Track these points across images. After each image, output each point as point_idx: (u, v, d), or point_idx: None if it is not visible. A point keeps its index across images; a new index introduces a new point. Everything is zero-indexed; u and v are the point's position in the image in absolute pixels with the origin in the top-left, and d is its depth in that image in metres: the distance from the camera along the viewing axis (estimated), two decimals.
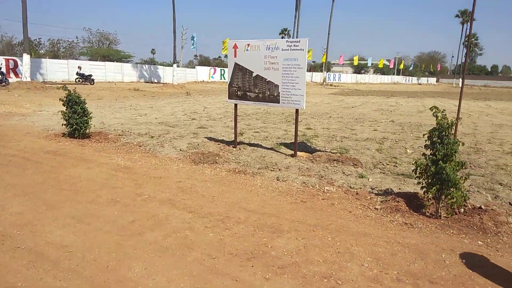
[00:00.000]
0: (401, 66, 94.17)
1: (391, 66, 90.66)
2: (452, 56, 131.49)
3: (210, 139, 8.79)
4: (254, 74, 7.17)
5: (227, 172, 6.11)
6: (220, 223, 4.08)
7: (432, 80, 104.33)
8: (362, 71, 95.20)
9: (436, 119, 4.35)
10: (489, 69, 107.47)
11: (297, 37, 46.81)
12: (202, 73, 45.98)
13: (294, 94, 6.72)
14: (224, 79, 47.20)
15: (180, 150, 7.55)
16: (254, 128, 11.15)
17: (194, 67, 48.36)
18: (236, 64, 7.40)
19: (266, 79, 7.02)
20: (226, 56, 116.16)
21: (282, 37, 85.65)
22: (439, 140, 4.30)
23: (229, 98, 7.72)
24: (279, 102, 6.93)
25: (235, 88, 7.54)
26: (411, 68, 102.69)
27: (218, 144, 8.16)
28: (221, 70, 48.99)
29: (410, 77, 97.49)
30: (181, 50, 45.45)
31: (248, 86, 7.32)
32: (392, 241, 3.77)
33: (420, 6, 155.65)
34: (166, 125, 11.01)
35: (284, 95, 6.84)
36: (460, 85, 7.87)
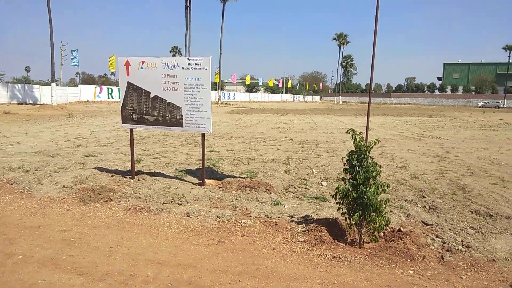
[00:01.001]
0: (289, 85, 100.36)
1: (280, 85, 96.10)
2: (332, 76, 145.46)
3: (101, 169, 7.56)
4: (151, 95, 6.34)
5: (126, 212, 5.14)
6: (123, 287, 3.18)
7: (316, 98, 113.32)
8: (254, 90, 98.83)
9: (354, 142, 4.15)
10: (364, 87, 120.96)
11: (189, 56, 46.29)
12: (87, 92, 42.16)
13: (199, 117, 6.08)
14: (112, 98, 44.07)
15: (64, 186, 6.26)
16: (152, 153, 10.13)
17: (76, 86, 44.24)
18: (129, 84, 6.48)
19: (166, 100, 6.26)
20: (113, 73, 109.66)
21: (173, 55, 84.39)
22: (358, 163, 4.09)
23: (123, 123, 6.72)
24: (182, 126, 6.21)
25: (129, 111, 6.58)
26: (297, 87, 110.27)
27: (112, 176, 7.02)
28: (108, 88, 45.67)
29: (297, 95, 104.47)
30: (61, 67, 41.17)
31: (145, 109, 6.45)
32: (326, 283, 3.34)
33: (303, 29, 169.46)
34: (44, 155, 9.31)
35: (188, 118, 6.15)
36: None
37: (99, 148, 10.70)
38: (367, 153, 4.07)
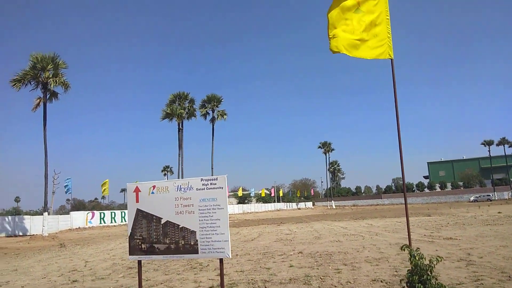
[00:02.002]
0: (281, 194, 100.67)
1: (272, 195, 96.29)
2: (322, 181, 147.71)
3: None
4: (163, 221, 5.92)
5: None
6: None
7: (309, 204, 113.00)
8: (246, 201, 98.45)
9: (413, 261, 3.69)
10: (354, 190, 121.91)
11: (182, 175, 46.80)
12: (78, 218, 41.11)
13: (216, 240, 5.59)
14: (104, 222, 42.84)
15: None
16: (155, 283, 9.19)
17: (68, 213, 43.24)
18: (138, 211, 6.09)
19: (179, 225, 5.82)
20: (103, 197, 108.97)
21: (165, 175, 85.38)
22: (421, 285, 3.57)
23: (130, 254, 6.13)
24: (198, 252, 5.66)
25: (138, 241, 6.06)
26: (289, 195, 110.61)
27: None
28: (100, 213, 44.74)
29: (290, 203, 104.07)
30: (52, 196, 40.78)
31: (156, 236, 5.95)
32: None
33: (289, 137, 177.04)
34: None
35: (203, 242, 5.65)
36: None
37: (96, 282, 9.72)
38: (430, 272, 3.58)
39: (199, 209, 5.72)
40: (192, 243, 5.73)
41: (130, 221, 6.15)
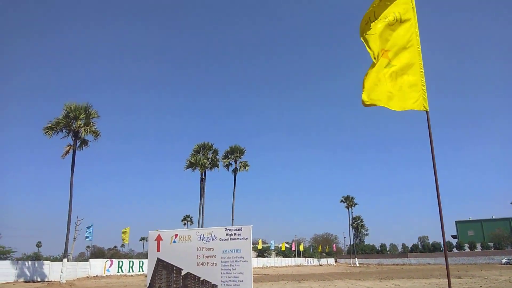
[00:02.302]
0: (302, 248, 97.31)
1: (293, 249, 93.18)
2: (344, 237, 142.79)
3: None
4: (183, 272, 5.69)
5: None
6: None
7: (331, 260, 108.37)
8: (265, 254, 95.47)
9: None
10: (379, 248, 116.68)
11: (202, 225, 46.25)
12: (97, 266, 40.59)
13: None
14: (122, 271, 42.09)
15: None
16: None
17: (87, 260, 42.86)
18: (159, 260, 5.91)
19: (199, 278, 5.57)
20: (123, 245, 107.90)
21: (185, 224, 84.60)
22: None
23: None
24: None
25: None
26: (310, 250, 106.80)
27: None
28: (118, 262, 44.11)
29: (311, 259, 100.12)
30: (73, 242, 40.77)
31: None
32: None
33: (311, 191, 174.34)
34: None
35: None
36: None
37: None
38: None
39: (221, 261, 5.50)
40: None
41: (149, 271, 5.95)
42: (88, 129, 30.91)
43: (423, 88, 5.60)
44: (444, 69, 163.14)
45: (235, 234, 5.56)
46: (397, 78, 5.52)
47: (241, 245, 5.49)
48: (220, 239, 5.61)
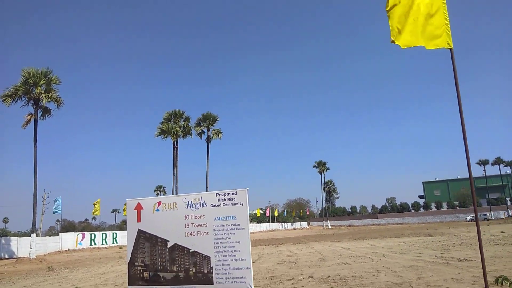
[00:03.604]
0: (276, 214, 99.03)
1: (267, 214, 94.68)
2: (317, 201, 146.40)
3: None
4: (170, 244, 4.96)
5: None
6: None
7: (304, 224, 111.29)
8: None
9: None
10: (349, 210, 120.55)
11: (176, 193, 45.50)
12: (68, 240, 39.41)
13: (236, 267, 4.64)
14: (95, 244, 41.13)
15: None
16: None
17: (57, 234, 41.52)
18: (140, 232, 5.14)
19: (189, 249, 4.87)
20: (94, 217, 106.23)
21: (157, 195, 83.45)
22: None
23: (130, 285, 5.13)
24: (212, 283, 4.70)
25: (139, 268, 5.08)
26: (284, 215, 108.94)
27: None
28: (91, 234, 43.04)
29: (285, 223, 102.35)
30: (42, 216, 39.16)
31: (161, 263, 4.98)
32: None
33: (284, 156, 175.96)
34: None
35: (220, 271, 4.69)
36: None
37: None
38: None
39: (214, 230, 4.79)
40: (206, 271, 4.76)
41: (129, 244, 5.18)
42: (50, 96, 28.87)
43: (446, 22, 4.91)
44: None
45: (228, 199, 4.84)
46: (420, 14, 4.80)
47: (236, 211, 4.80)
48: (211, 205, 4.89)
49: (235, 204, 4.79)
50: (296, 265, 16.05)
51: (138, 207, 5.18)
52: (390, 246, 23.98)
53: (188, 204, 4.97)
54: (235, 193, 4.81)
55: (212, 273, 4.78)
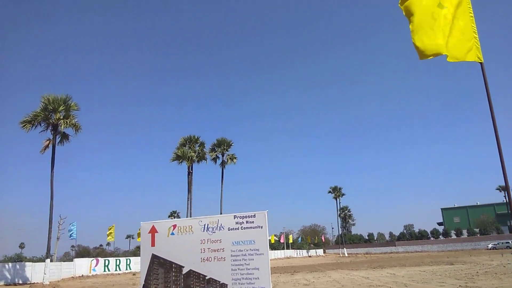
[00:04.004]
0: (291, 240, 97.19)
1: (282, 241, 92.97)
2: (332, 228, 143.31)
3: None
4: (185, 270, 4.70)
5: None
6: None
7: (320, 251, 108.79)
8: None
9: None
10: (366, 237, 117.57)
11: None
12: (82, 266, 39.15)
13: None
14: (109, 270, 40.73)
15: None
16: None
17: (71, 260, 41.34)
18: (154, 257, 4.90)
19: (205, 276, 4.59)
20: (108, 243, 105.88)
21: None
22: None
23: None
24: None
25: None
26: (299, 242, 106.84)
27: None
28: (104, 260, 42.72)
29: (300, 250, 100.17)
30: (57, 242, 39.18)
31: None
32: None
33: (298, 182, 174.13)
34: None
35: None
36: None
37: None
38: None
39: (231, 255, 4.52)
40: None
41: (143, 269, 4.94)
42: (68, 122, 29.36)
43: (475, 35, 4.69)
44: None
45: (246, 222, 4.59)
46: (449, 22, 4.60)
47: (255, 235, 4.52)
48: (229, 229, 4.64)
49: (254, 228, 4.53)
50: None
51: (153, 231, 4.96)
52: (410, 275, 23.10)
53: (204, 228, 4.74)
54: (254, 216, 4.55)
55: None
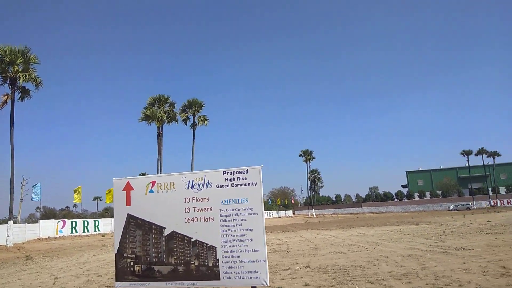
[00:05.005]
0: None
1: None
2: (302, 190, 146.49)
3: None
4: (167, 232, 4.13)
5: None
6: None
7: (289, 212, 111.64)
8: None
9: None
10: (334, 199, 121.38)
11: None
12: (48, 227, 37.98)
13: (247, 260, 3.85)
14: (76, 232, 39.87)
15: None
16: None
17: (37, 221, 40.05)
18: (130, 217, 4.28)
19: (190, 238, 4.04)
20: (75, 205, 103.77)
21: None
22: None
23: (118, 280, 4.28)
24: (219, 278, 3.90)
25: (129, 260, 4.23)
26: (269, 203, 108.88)
27: None
28: (72, 222, 41.68)
29: (270, 211, 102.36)
30: (20, 203, 37.63)
31: (156, 254, 4.14)
32: None
33: (270, 145, 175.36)
34: None
35: (228, 264, 3.89)
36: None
37: None
38: None
39: (220, 215, 3.97)
40: (211, 264, 3.96)
41: (117, 232, 4.32)
42: (27, 76, 27.24)
43: None
44: None
45: (238, 178, 4.01)
46: None
47: (248, 193, 3.98)
48: (217, 186, 4.06)
49: (246, 185, 3.97)
50: (288, 254, 15.48)
51: (128, 188, 4.31)
52: (379, 234, 23.73)
53: (188, 184, 4.13)
54: (247, 172, 3.97)
55: (218, 266, 3.96)
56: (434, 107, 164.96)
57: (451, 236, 20.05)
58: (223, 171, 4.08)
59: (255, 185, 3.95)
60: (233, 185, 4.02)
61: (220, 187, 4.05)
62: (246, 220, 3.93)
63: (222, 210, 4.02)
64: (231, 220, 3.96)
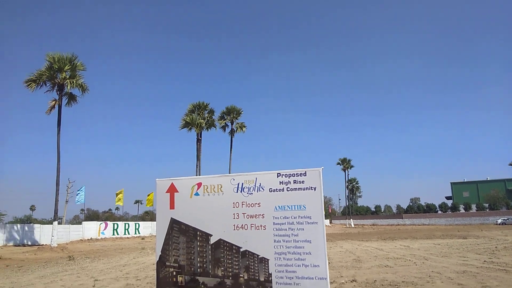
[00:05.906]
0: None
1: None
2: (339, 199, 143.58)
3: None
4: (213, 239, 3.72)
5: None
6: None
7: (326, 221, 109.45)
8: None
9: None
10: (373, 209, 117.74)
11: None
12: (90, 229, 39.24)
13: (305, 276, 3.35)
14: (117, 234, 40.82)
15: None
16: None
17: (80, 223, 41.43)
18: (173, 222, 3.91)
19: (239, 247, 3.61)
20: (117, 207, 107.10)
21: None
22: None
23: (158, 287, 3.92)
24: None
25: (171, 269, 3.85)
26: None
27: None
28: (113, 224, 42.82)
29: None
30: (65, 205, 39.06)
31: (201, 264, 3.73)
32: None
33: (306, 155, 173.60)
34: None
35: (282, 279, 3.41)
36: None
37: None
38: None
39: (274, 223, 3.50)
40: (262, 279, 3.49)
41: (159, 237, 3.96)
42: (74, 82, 28.26)
43: None
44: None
45: (294, 182, 3.53)
46: None
47: (306, 199, 3.48)
48: (271, 190, 3.59)
49: (304, 189, 3.47)
50: (331, 265, 14.74)
51: (172, 190, 3.94)
52: (426, 248, 22.40)
53: (238, 187, 3.70)
54: (305, 174, 3.48)
55: (271, 282, 3.48)
56: (482, 117, 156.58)
57: (505, 252, 18.59)
58: (278, 173, 3.61)
59: (314, 189, 3.44)
60: (288, 189, 3.53)
61: (274, 191, 3.58)
62: (303, 230, 3.43)
63: (276, 218, 3.54)
64: (286, 229, 3.48)
